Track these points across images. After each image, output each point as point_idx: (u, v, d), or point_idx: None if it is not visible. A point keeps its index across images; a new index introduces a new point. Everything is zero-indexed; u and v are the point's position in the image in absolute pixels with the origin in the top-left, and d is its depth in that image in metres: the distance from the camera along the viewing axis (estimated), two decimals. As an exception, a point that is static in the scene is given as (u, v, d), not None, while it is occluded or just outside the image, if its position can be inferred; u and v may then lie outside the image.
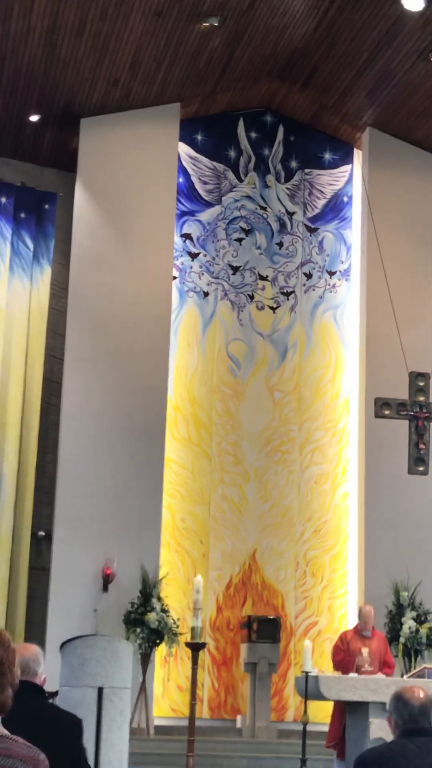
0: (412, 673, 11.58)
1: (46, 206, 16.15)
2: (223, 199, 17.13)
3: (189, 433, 16.28)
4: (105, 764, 8.82)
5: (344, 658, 11.62)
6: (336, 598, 16.13)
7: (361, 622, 11.85)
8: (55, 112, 15.81)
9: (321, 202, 17.51)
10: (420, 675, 10.73)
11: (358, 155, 17.53)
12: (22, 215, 15.93)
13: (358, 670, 11.36)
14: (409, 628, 14.85)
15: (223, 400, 16.50)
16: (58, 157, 16.60)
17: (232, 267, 16.95)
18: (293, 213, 17.36)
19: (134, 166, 16.28)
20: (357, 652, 11.65)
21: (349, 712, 10.68)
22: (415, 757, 4.39)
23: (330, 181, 17.61)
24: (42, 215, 16.10)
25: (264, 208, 17.26)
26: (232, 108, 17.16)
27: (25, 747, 3.16)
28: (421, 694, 4.62)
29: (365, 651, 11.59)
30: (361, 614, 11.94)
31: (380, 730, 9.85)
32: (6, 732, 3.17)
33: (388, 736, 4.84)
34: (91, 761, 8.64)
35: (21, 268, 15.79)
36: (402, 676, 13.20)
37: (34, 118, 15.79)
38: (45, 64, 14.77)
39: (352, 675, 10.99)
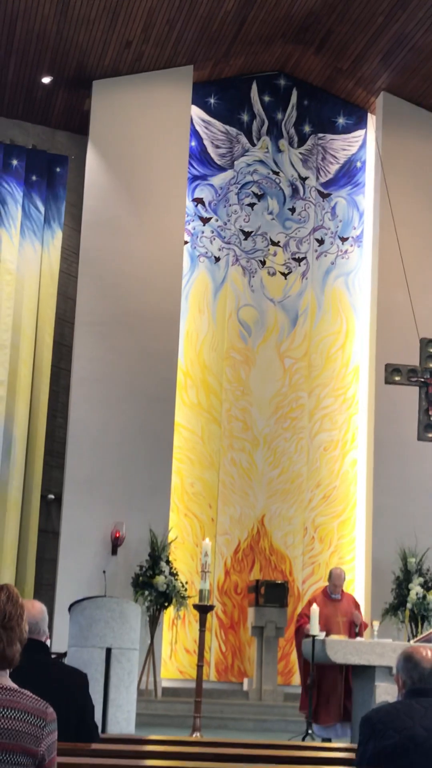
0: (418, 638, 11.61)
1: (58, 169, 16.10)
2: (235, 163, 17.04)
3: (199, 398, 16.30)
4: (112, 724, 8.91)
5: (301, 626, 11.48)
6: (344, 563, 16.17)
7: (330, 584, 11.79)
8: (67, 74, 15.72)
9: (334, 168, 17.42)
10: (427, 640, 10.76)
11: (371, 120, 17.41)
12: (34, 178, 15.88)
13: (329, 621, 11.30)
14: (416, 594, 14.91)
15: (233, 366, 16.50)
16: (70, 119, 16.53)
17: (243, 232, 16.89)
18: (306, 178, 17.26)
19: (146, 129, 16.20)
20: (328, 614, 11.50)
21: (355, 675, 10.74)
22: (421, 718, 4.40)
23: (343, 146, 17.50)
24: (53, 178, 16.05)
25: (276, 173, 17.17)
26: (245, 71, 17.05)
27: (33, 700, 3.19)
28: (430, 655, 4.62)
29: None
30: (331, 576, 11.85)
31: (386, 693, 9.91)
32: (14, 685, 3.20)
33: (394, 699, 4.86)
34: (98, 721, 8.73)
35: (32, 231, 15.75)
36: (408, 641, 13.26)
37: (46, 80, 15.71)
38: (57, 26, 14.67)
39: (359, 639, 11.03)
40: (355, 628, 11.60)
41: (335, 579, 11.82)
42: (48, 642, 4.86)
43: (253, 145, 17.15)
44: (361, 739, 4.50)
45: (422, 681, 4.58)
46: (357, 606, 12.00)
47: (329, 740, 10.89)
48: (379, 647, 10.38)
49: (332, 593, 11.76)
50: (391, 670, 9.85)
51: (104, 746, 4.68)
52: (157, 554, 14.74)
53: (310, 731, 10.88)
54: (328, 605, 11.57)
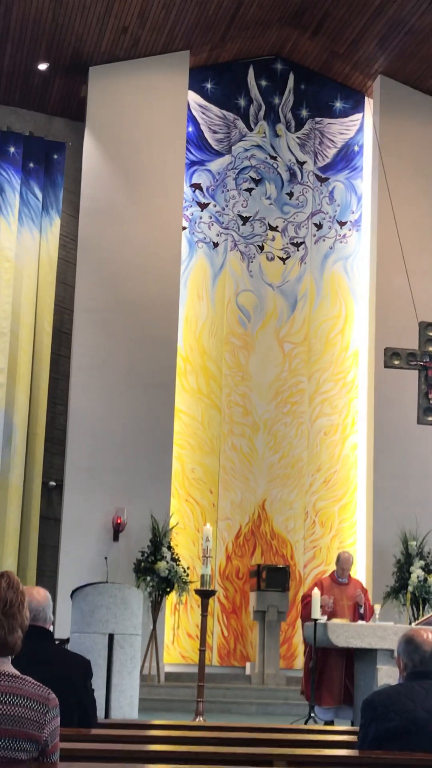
0: (419, 621, 11.66)
1: (55, 156, 16.07)
2: (233, 148, 17.01)
3: (199, 384, 16.31)
4: (115, 709, 8.95)
5: (308, 603, 11.52)
6: (345, 547, 16.20)
7: (338, 568, 11.78)
8: (63, 60, 15.68)
9: (332, 152, 17.38)
10: (428, 623, 10.80)
11: (369, 104, 17.38)
12: (31, 165, 15.85)
13: (325, 608, 11.33)
14: (417, 577, 14.96)
15: (233, 351, 16.50)
16: (67, 106, 16.49)
17: (241, 217, 16.87)
18: (304, 162, 17.24)
19: (143, 114, 16.17)
20: (334, 598, 11.54)
21: (357, 658, 10.78)
22: (423, 700, 4.43)
23: (341, 130, 17.46)
24: (51, 165, 16.02)
25: (274, 158, 17.14)
26: (242, 56, 17.00)
27: (36, 686, 3.21)
28: (429, 637, 4.64)
29: (325, 597, 11.45)
30: (339, 560, 11.84)
31: (388, 676, 9.95)
32: (16, 672, 3.23)
33: (396, 682, 4.88)
34: (101, 706, 8.78)
35: (30, 218, 15.74)
36: (410, 624, 13.31)
37: (42, 66, 15.67)
38: (53, 12, 14.62)
39: (360, 623, 11.06)
40: (359, 609, 11.61)
41: (343, 563, 11.82)
42: (52, 629, 4.88)
43: (251, 129, 17.12)
44: (362, 721, 4.53)
45: (423, 663, 4.60)
46: (364, 591, 12.02)
47: (332, 723, 10.94)
48: (381, 630, 10.42)
49: (339, 577, 11.77)
50: (392, 653, 9.88)
51: (107, 731, 4.71)
52: (159, 540, 14.78)
53: (312, 714, 10.93)
54: (334, 589, 11.60)
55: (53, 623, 5.02)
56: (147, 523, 14.94)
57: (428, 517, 15.62)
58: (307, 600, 11.48)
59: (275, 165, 17.13)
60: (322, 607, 11.09)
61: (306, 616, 11.32)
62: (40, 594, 4.69)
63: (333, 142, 17.42)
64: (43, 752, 3.15)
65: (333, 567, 15.87)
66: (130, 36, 15.49)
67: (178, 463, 15.90)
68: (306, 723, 10.67)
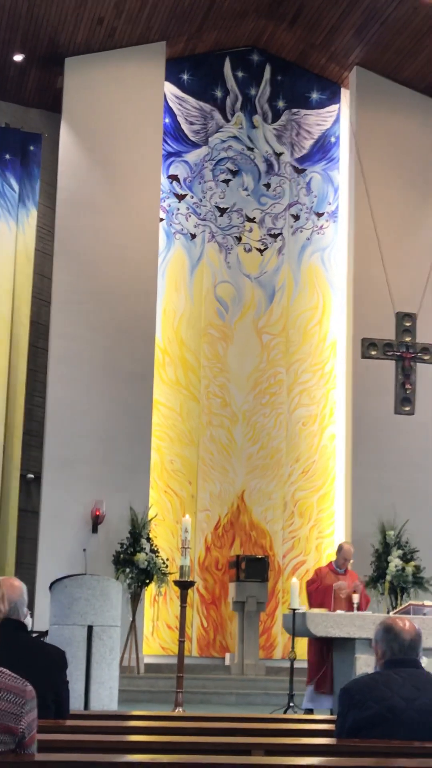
0: (397, 610, 11.70)
1: (31, 147, 16.01)
2: (209, 139, 16.99)
3: (177, 375, 16.32)
4: (95, 701, 8.95)
5: (318, 587, 11.62)
6: (323, 537, 16.29)
7: (339, 558, 11.83)
8: (39, 51, 15.61)
9: (308, 143, 17.39)
10: (405, 612, 10.86)
11: (345, 95, 17.39)
12: (7, 157, 15.79)
13: (338, 591, 11.44)
14: (396, 566, 15.03)
15: (211, 342, 16.51)
16: (43, 97, 16.43)
17: (219, 209, 16.87)
18: (280, 154, 17.24)
19: (120, 106, 16.13)
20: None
21: (335, 648, 10.82)
22: (400, 688, 4.44)
23: (317, 121, 17.47)
24: (27, 157, 15.97)
25: (251, 149, 17.14)
26: (218, 47, 16.97)
27: (12, 678, 3.21)
28: (409, 626, 4.66)
29: (342, 582, 11.62)
30: (341, 551, 11.90)
31: (366, 665, 9.99)
32: (-7, 664, 3.23)
33: (374, 670, 4.91)
34: (81, 698, 8.78)
35: (6, 210, 15.68)
36: (388, 612, 13.37)
37: (18, 57, 15.60)
38: (28, 3, 14.55)
39: (339, 612, 11.11)
40: (352, 602, 11.64)
41: (345, 554, 11.89)
42: (28, 620, 4.88)
43: (227, 121, 17.11)
44: (340, 710, 4.55)
45: (402, 652, 4.62)
46: (362, 584, 12.08)
47: (311, 712, 10.98)
48: (359, 619, 10.47)
49: (339, 567, 11.84)
50: (371, 642, 9.92)
51: (86, 722, 4.71)
52: (138, 532, 14.78)
53: (291, 704, 10.98)
54: (332, 579, 11.68)
55: (32, 615, 5.02)
56: (126, 514, 14.94)
57: (406, 507, 15.70)
58: (315, 585, 11.57)
59: (252, 156, 17.12)
60: (335, 591, 11.27)
61: (316, 600, 11.43)
62: (15, 588, 4.68)
63: (310, 133, 17.44)
64: (21, 744, 3.15)
65: (312, 557, 16.04)
66: (106, 27, 15.44)
67: (157, 455, 15.90)
68: (285, 712, 10.72)
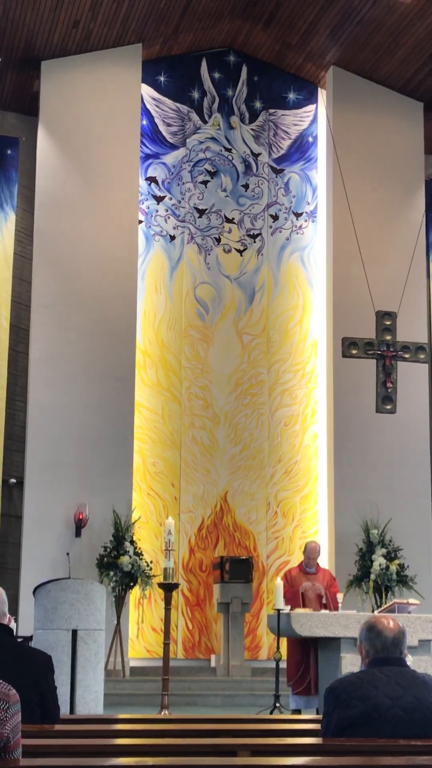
0: (382, 608, 11.72)
1: (9, 151, 15.97)
2: (187, 141, 16.99)
3: (158, 377, 16.30)
4: (81, 705, 8.92)
5: (286, 593, 11.57)
6: (307, 537, 16.27)
7: (305, 558, 11.83)
8: (15, 55, 15.57)
9: (286, 143, 17.41)
10: (390, 610, 10.87)
11: (322, 95, 17.41)
12: (-16, 161, 15.74)
13: (306, 593, 11.40)
14: (380, 565, 15.04)
15: (192, 344, 16.50)
16: (20, 101, 16.39)
17: (198, 210, 16.86)
18: (258, 154, 17.25)
19: (97, 108, 16.10)
20: (305, 588, 11.62)
21: (320, 647, 10.83)
22: (384, 686, 4.45)
23: (294, 121, 17.49)
24: (4, 161, 15.92)
25: (229, 150, 17.14)
26: (194, 48, 16.97)
27: (-4, 683, 3.20)
28: (392, 624, 4.66)
29: (307, 583, 11.58)
30: (306, 550, 11.86)
31: (352, 664, 10.00)
32: (-23, 669, 3.21)
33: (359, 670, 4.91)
34: (66, 702, 8.75)
35: (-15, 214, 15.62)
36: (373, 611, 13.39)
37: (-7, 61, 15.55)
38: (3, 6, 14.51)
39: (323, 612, 11.11)
40: (322, 600, 11.65)
41: (309, 552, 11.85)
42: (12, 624, 4.86)
43: (205, 122, 17.11)
44: (325, 709, 4.54)
45: (385, 650, 4.62)
46: (333, 580, 12.06)
47: (299, 712, 10.99)
48: (344, 619, 10.48)
49: (307, 567, 11.81)
50: (356, 641, 9.93)
51: (72, 727, 4.70)
52: (121, 535, 14.76)
53: (278, 704, 10.97)
54: (303, 579, 11.64)
55: (16, 621, 5.00)
56: (109, 517, 14.91)
57: (389, 506, 15.72)
58: (284, 591, 11.52)
59: (230, 157, 17.13)
60: (303, 594, 11.22)
61: (289, 597, 11.36)
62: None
63: (287, 133, 17.45)
64: (5, 748, 3.14)
65: (296, 557, 16.03)
66: (81, 29, 15.41)
67: (140, 457, 15.88)
68: (271, 713, 10.72)
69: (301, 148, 17.46)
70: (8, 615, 4.68)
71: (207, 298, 16.69)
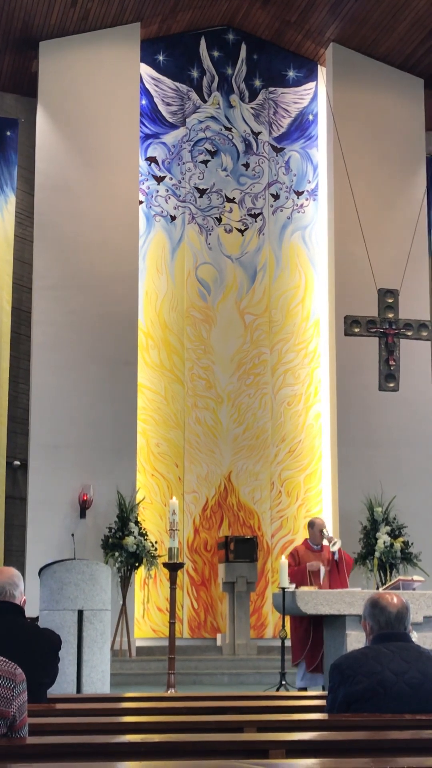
0: (386, 586, 11.73)
1: (8, 133, 15.91)
2: (187, 120, 16.92)
3: (161, 358, 16.29)
4: (87, 685, 8.97)
5: (295, 570, 11.52)
6: (311, 516, 16.28)
7: (311, 535, 11.77)
8: (12, 35, 15.50)
9: (286, 121, 17.34)
10: (395, 587, 10.89)
11: (322, 72, 17.32)
12: (-16, 143, 15.69)
13: (312, 570, 11.38)
14: (384, 542, 15.07)
15: (194, 324, 16.48)
16: (18, 82, 16.32)
17: (198, 190, 16.81)
18: (259, 133, 17.18)
19: (96, 88, 16.04)
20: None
21: (325, 625, 10.85)
22: (389, 662, 4.47)
23: (294, 99, 17.41)
24: (4, 142, 15.87)
25: (229, 129, 17.07)
26: (193, 27, 16.88)
27: (2, 662, 3.20)
28: (396, 600, 4.68)
29: (314, 563, 11.54)
30: (314, 527, 11.83)
31: (357, 642, 10.01)
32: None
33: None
34: (73, 683, 8.80)
35: (-15, 197, 15.58)
36: (377, 589, 13.41)
37: (-9, 42, 15.48)
38: (0, -14, 14.44)
39: (328, 589, 11.12)
40: (334, 557, 11.54)
41: (317, 528, 11.81)
42: (24, 602, 4.88)
43: (204, 101, 17.04)
44: (331, 685, 4.57)
45: (389, 625, 4.64)
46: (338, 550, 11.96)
47: (305, 690, 11.02)
48: (349, 596, 10.49)
49: (314, 544, 11.78)
50: (360, 618, 9.94)
51: (79, 705, 4.72)
52: (126, 515, 14.79)
53: (284, 682, 11.01)
54: (310, 556, 11.63)
55: (24, 600, 5.02)
56: (113, 498, 14.94)
57: (393, 483, 15.74)
58: (291, 569, 11.50)
59: (230, 136, 17.06)
60: (311, 572, 11.21)
61: (292, 574, 11.32)
62: (4, 574, 4.68)
63: (287, 111, 17.38)
64: (12, 727, 3.15)
65: (300, 536, 16.05)
66: (79, 8, 15.33)
67: (143, 438, 15.89)
68: (277, 691, 10.76)
69: (301, 126, 17.39)
70: (21, 596, 4.70)
71: (209, 279, 16.66)
